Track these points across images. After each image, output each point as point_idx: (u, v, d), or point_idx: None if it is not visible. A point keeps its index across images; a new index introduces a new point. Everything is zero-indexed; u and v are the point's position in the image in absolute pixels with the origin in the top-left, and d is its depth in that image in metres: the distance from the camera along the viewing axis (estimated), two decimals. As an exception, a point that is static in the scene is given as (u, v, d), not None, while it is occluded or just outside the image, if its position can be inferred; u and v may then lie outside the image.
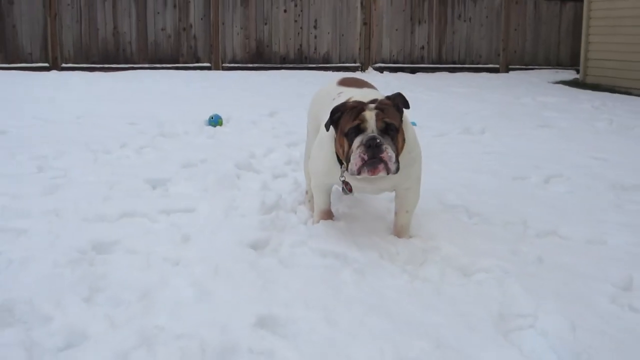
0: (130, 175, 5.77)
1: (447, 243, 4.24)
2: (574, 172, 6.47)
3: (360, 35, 19.27)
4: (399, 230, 4.42)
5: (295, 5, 18.76)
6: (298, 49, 18.96)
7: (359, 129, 3.83)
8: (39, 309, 3.20)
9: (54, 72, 16.93)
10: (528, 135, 8.81)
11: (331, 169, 4.21)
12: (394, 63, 19.50)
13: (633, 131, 9.37)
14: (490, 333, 3.15)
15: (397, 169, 3.85)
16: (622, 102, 13.15)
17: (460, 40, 19.96)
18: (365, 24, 19.22)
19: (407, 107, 4.06)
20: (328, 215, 4.61)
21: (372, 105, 3.87)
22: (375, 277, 3.75)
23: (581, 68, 17.12)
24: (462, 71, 19.71)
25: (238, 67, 18.50)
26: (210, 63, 18.41)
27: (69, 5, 17.41)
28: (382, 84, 12.73)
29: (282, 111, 10.42)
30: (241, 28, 18.54)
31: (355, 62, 19.29)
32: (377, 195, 4.89)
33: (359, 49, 19.33)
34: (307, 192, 5.09)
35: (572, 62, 20.09)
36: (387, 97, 4.05)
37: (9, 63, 17.11)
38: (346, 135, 3.88)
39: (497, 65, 20.12)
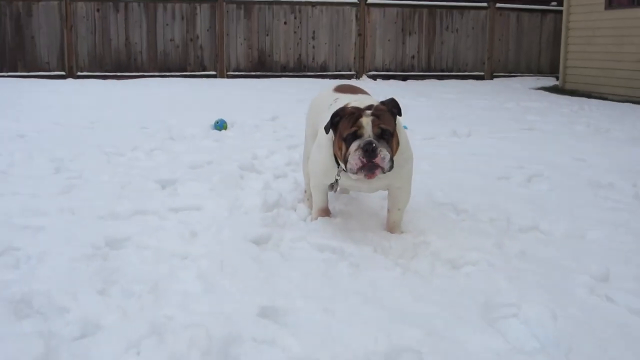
0: (141, 176, 5.75)
1: (436, 238, 4.24)
2: (554, 172, 6.47)
3: (355, 45, 19.28)
4: (392, 226, 4.42)
5: (295, 18, 18.76)
6: (297, 59, 18.97)
7: (356, 135, 3.84)
8: (55, 301, 3.19)
9: (70, 80, 16.96)
10: (511, 137, 8.80)
11: (330, 170, 4.22)
12: (386, 71, 19.52)
13: (609, 133, 9.37)
14: (477, 321, 3.15)
15: (392, 167, 3.86)
16: (598, 106, 13.16)
17: (448, 50, 19.98)
18: (359, 35, 19.23)
19: (400, 113, 4.07)
20: (326, 212, 4.61)
21: (369, 112, 3.88)
22: (370, 270, 3.74)
23: (561, 75, 17.14)
24: (450, 78, 19.74)
25: (242, 75, 18.52)
26: (215, 71, 18.42)
27: (84, 17, 17.42)
28: (376, 91, 12.71)
29: (283, 116, 10.42)
30: (244, 39, 18.54)
31: (350, 71, 19.31)
32: (371, 193, 4.89)
33: (354, 58, 19.34)
34: (305, 191, 5.08)
35: (552, 70, 20.14)
36: (382, 103, 4.05)
37: (28, 71, 17.14)
38: (345, 139, 3.89)
39: (483, 73, 20.15)
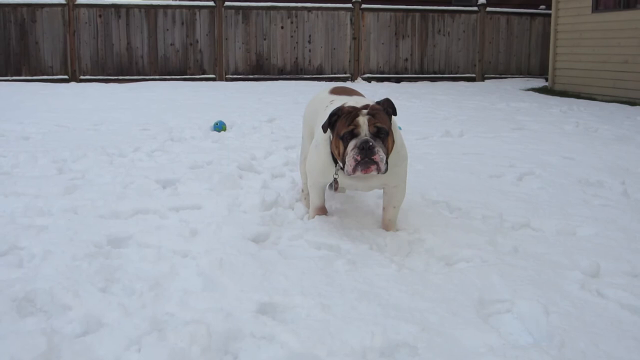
0: (143, 176, 5.72)
1: (430, 235, 4.22)
2: (545, 170, 6.45)
3: (350, 48, 19.27)
4: (387, 224, 4.40)
5: (292, 22, 18.75)
6: (294, 62, 18.95)
7: (353, 134, 3.83)
8: (58, 299, 3.16)
9: (73, 84, 16.92)
10: (503, 137, 8.78)
11: (327, 169, 4.21)
12: (380, 73, 19.51)
13: (597, 133, 9.35)
14: (472, 317, 3.12)
15: (387, 169, 3.86)
16: (586, 106, 13.16)
17: (440, 53, 19.97)
18: (354, 38, 19.21)
19: (395, 113, 4.06)
20: (322, 211, 4.59)
21: (365, 111, 3.87)
22: (366, 267, 3.72)
23: (550, 76, 17.14)
24: (442, 80, 19.75)
25: (240, 78, 18.50)
26: (215, 74, 18.39)
27: (86, 23, 17.39)
28: (370, 93, 12.74)
29: (280, 117, 10.40)
30: (242, 43, 18.52)
31: (345, 73, 19.29)
32: (367, 192, 4.87)
33: (349, 61, 19.33)
34: (303, 190, 5.06)
35: (542, 71, 20.15)
36: (377, 103, 4.04)
37: (32, 75, 17.11)
38: (342, 138, 3.88)
39: (474, 75, 20.14)
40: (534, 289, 3.41)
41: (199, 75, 18.31)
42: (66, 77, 17.36)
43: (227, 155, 6.80)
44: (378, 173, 3.84)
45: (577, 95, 15.44)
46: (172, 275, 3.56)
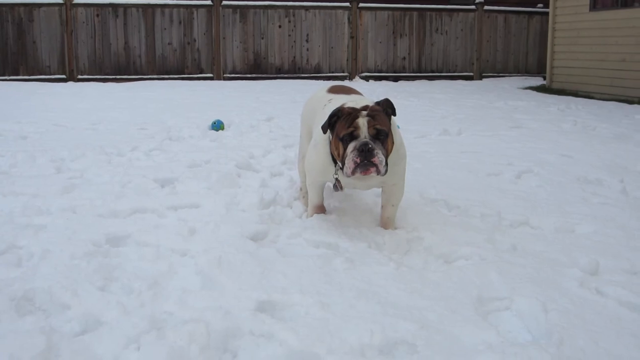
0: (141, 175, 5.72)
1: (429, 233, 4.22)
2: (543, 168, 6.45)
3: (347, 47, 19.27)
4: (385, 222, 4.40)
5: (289, 21, 18.74)
6: (292, 61, 18.95)
7: (353, 135, 3.83)
8: (57, 298, 3.16)
9: (70, 83, 16.91)
10: (501, 135, 8.78)
11: (326, 168, 4.20)
12: (378, 72, 19.51)
13: (595, 131, 9.36)
14: (470, 315, 3.12)
15: (386, 171, 3.86)
16: (584, 105, 13.16)
17: (437, 51, 19.98)
18: (352, 37, 19.21)
19: (394, 114, 4.06)
20: (321, 209, 4.59)
21: (365, 112, 3.86)
22: (365, 265, 3.71)
23: (547, 75, 17.14)
24: (440, 79, 19.75)
25: (238, 77, 18.49)
26: (212, 74, 18.38)
27: (84, 22, 17.37)
28: (368, 91, 12.74)
29: (278, 116, 10.40)
30: (240, 42, 18.51)
31: (343, 72, 19.29)
32: (365, 190, 4.87)
33: (347, 60, 19.32)
34: (301, 189, 5.06)
35: (539, 70, 20.17)
36: (377, 103, 4.03)
37: (29, 75, 17.10)
38: (341, 140, 3.87)
39: (472, 74, 20.15)
40: (532, 287, 3.42)
41: (197, 74, 18.30)
42: (64, 76, 17.34)
43: (225, 154, 6.80)
44: (377, 175, 3.84)
45: (575, 94, 15.45)
46: (171, 274, 3.56)
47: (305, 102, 5.02)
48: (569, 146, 7.90)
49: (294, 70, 18.97)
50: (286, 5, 18.65)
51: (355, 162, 3.78)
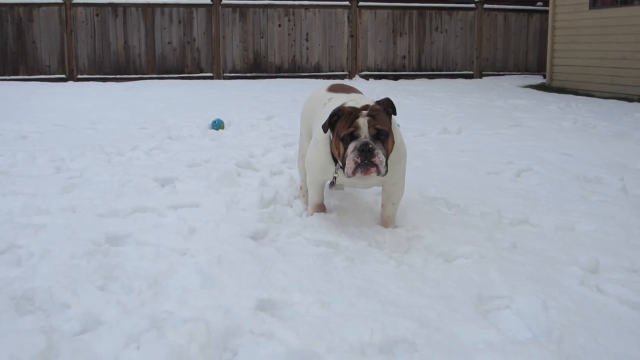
0: (141, 175, 5.72)
1: (429, 232, 4.22)
2: (543, 167, 6.45)
3: (347, 46, 19.27)
4: (386, 221, 4.40)
5: (289, 20, 18.74)
6: (292, 60, 18.95)
7: (353, 135, 3.82)
8: (57, 297, 3.16)
9: (70, 83, 16.91)
10: (501, 134, 8.78)
11: (326, 167, 4.20)
12: (378, 71, 19.51)
13: (595, 129, 9.36)
14: (471, 313, 3.12)
15: (387, 171, 3.85)
16: (584, 103, 13.16)
17: (437, 50, 19.97)
18: (351, 36, 19.21)
19: (395, 113, 4.05)
20: (321, 208, 4.59)
21: (365, 112, 3.85)
22: (365, 263, 3.71)
23: (547, 73, 17.14)
24: (440, 77, 19.74)
25: (238, 76, 18.49)
26: (212, 73, 18.38)
27: (83, 22, 17.37)
28: (368, 90, 12.74)
29: (278, 115, 10.40)
30: (240, 41, 18.51)
31: (343, 71, 19.29)
32: (365, 189, 4.87)
33: (347, 58, 19.32)
34: (301, 188, 5.06)
35: (539, 68, 20.17)
36: (378, 102, 4.02)
37: (29, 75, 17.10)
38: (342, 139, 3.87)
39: (472, 72, 20.15)
40: (532, 285, 3.42)
41: (197, 73, 18.30)
42: (63, 76, 17.34)
43: (225, 153, 6.80)
44: (377, 175, 3.84)
45: (575, 92, 15.44)
46: (171, 273, 3.56)
47: (305, 100, 5.02)
48: (569, 144, 7.90)
49: (293, 69, 18.97)
50: (286, 4, 18.64)
51: (355, 162, 3.78)
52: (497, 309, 3.23)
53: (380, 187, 4.42)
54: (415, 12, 19.64)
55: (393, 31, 19.55)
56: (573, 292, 3.38)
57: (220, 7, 18.17)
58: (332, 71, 19.17)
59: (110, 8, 17.51)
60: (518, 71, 20.57)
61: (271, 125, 9.29)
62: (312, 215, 4.52)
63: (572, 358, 2.71)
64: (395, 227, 4.37)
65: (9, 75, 16.92)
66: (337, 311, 3.09)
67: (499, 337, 2.89)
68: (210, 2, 18.10)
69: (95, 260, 3.65)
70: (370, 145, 3.76)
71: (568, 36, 16.27)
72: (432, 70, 19.94)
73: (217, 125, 8.85)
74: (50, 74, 17.27)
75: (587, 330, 2.93)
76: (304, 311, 3.11)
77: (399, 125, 4.54)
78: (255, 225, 4.29)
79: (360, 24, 19.25)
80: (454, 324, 3.00)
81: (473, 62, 20.16)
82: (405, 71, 19.71)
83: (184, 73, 18.21)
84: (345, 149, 3.86)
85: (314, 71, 19.07)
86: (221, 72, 18.39)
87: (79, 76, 17.45)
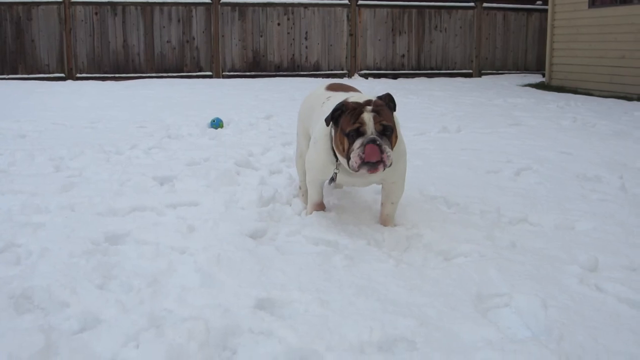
0: (140, 174, 5.72)
1: (428, 230, 4.22)
2: (542, 165, 6.45)
3: (346, 45, 19.27)
4: (385, 220, 4.39)
5: (288, 19, 18.73)
6: (291, 58, 18.94)
7: (359, 132, 3.79)
8: (56, 296, 3.16)
9: (69, 82, 16.90)
10: (500, 132, 8.78)
11: (326, 166, 4.18)
12: (377, 70, 19.52)
13: (594, 128, 9.36)
14: (470, 311, 3.12)
15: (391, 164, 3.84)
16: (583, 102, 13.16)
17: (437, 49, 19.97)
18: (351, 35, 19.21)
19: (395, 109, 4.03)
20: (321, 207, 4.58)
21: (370, 108, 3.83)
22: (364, 262, 3.71)
23: (547, 72, 17.14)
24: (439, 76, 19.75)
25: (237, 75, 18.49)
26: (211, 72, 18.38)
27: (82, 21, 17.36)
28: (367, 89, 12.73)
29: (277, 114, 10.39)
30: (239, 40, 18.50)
31: (342, 70, 19.29)
32: (364, 187, 4.87)
33: (346, 57, 19.32)
34: (300, 187, 5.05)
35: (538, 67, 20.18)
36: (379, 98, 4.01)
37: (28, 74, 17.09)
38: (347, 135, 3.83)
39: (471, 71, 20.16)
40: (532, 283, 3.41)
41: (196, 72, 18.30)
42: (62, 75, 17.34)
43: (224, 152, 6.80)
44: (384, 169, 3.82)
45: (574, 91, 15.44)
46: (170, 271, 3.56)
47: (303, 99, 5.01)
48: (568, 143, 7.90)
49: (292, 68, 18.96)
50: (285, 3, 18.64)
51: (362, 159, 3.74)
52: (496, 307, 3.23)
53: (380, 186, 4.41)
54: (414, 10, 19.64)
55: (392, 30, 19.55)
56: (572, 290, 3.37)
57: (219, 6, 18.17)
58: (332, 70, 19.17)
59: (109, 7, 17.51)
60: (517, 70, 20.59)
61: (270, 124, 9.29)
62: (311, 214, 4.51)
63: (572, 356, 2.71)
64: (395, 225, 4.37)
65: (8, 74, 16.92)
66: (336, 310, 3.09)
67: (498, 336, 2.88)
68: (210, 1, 18.10)
69: (94, 259, 3.65)
70: (378, 142, 3.75)
71: (567, 35, 16.27)
72: (432, 69, 19.94)
73: (216, 124, 8.84)
74: (49, 73, 17.26)
75: (586, 329, 2.93)
76: (303, 310, 3.10)
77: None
78: (254, 223, 4.29)
79: (360, 22, 19.25)
80: (453, 322, 3.00)
81: (472, 61, 20.17)
82: (405, 70, 19.71)
83: (183, 72, 18.21)
84: (351, 144, 3.82)
85: (313, 70, 19.06)
86: (220, 71, 18.39)
87: (78, 75, 17.45)
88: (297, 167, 5.11)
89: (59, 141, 7.55)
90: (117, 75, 17.67)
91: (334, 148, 4.05)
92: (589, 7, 15.44)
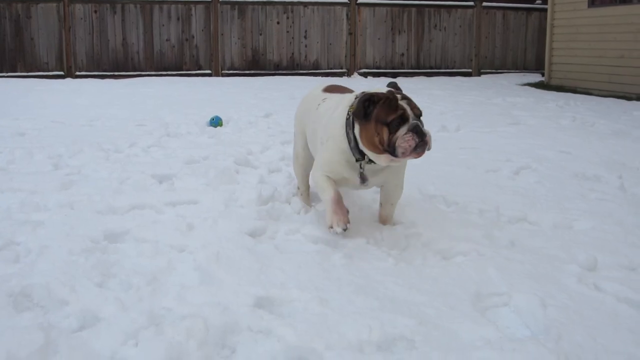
0: (139, 172, 5.71)
1: (427, 229, 4.22)
2: (542, 165, 6.45)
3: (346, 44, 19.26)
4: (384, 219, 4.38)
5: (288, 17, 18.72)
6: (290, 57, 18.94)
7: (403, 118, 3.75)
8: (55, 294, 3.16)
9: (68, 80, 16.89)
10: (499, 132, 8.78)
11: (347, 160, 4.03)
12: (376, 69, 19.52)
13: (593, 127, 9.36)
14: (469, 310, 3.12)
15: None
16: (583, 101, 13.16)
17: (436, 48, 19.97)
18: (350, 33, 19.20)
19: None
20: (341, 204, 4.08)
21: (399, 96, 3.84)
22: (363, 261, 3.71)
23: (546, 71, 17.14)
24: (439, 75, 19.75)
25: (236, 73, 18.48)
26: (210, 70, 18.37)
27: (81, 19, 17.35)
28: (367, 88, 12.68)
29: (277, 113, 10.38)
30: (238, 38, 18.50)
31: (342, 68, 19.29)
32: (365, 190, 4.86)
33: (345, 56, 19.32)
34: (298, 187, 5.04)
35: (538, 66, 20.18)
36: (388, 85, 4.05)
37: (27, 71, 17.08)
38: (389, 124, 3.76)
39: (470, 70, 20.16)
40: (530, 283, 3.42)
41: (195, 70, 18.29)
42: (62, 73, 17.33)
43: (224, 150, 6.80)
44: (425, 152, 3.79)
45: (574, 90, 15.45)
46: (169, 269, 3.56)
47: (299, 101, 4.99)
48: (568, 142, 7.90)
49: (292, 67, 18.96)
50: (284, 2, 18.64)
51: (414, 142, 3.70)
52: (495, 306, 3.24)
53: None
54: (414, 9, 19.64)
55: (392, 29, 19.55)
56: (571, 290, 3.38)
57: (218, 4, 18.15)
58: (331, 69, 19.17)
59: (108, 5, 17.49)
60: (517, 69, 20.59)
61: (269, 123, 9.29)
62: (334, 212, 4.00)
63: (570, 356, 2.71)
64: (394, 224, 4.36)
65: (7, 72, 16.90)
66: (335, 308, 3.09)
67: (497, 335, 2.89)
68: (209, -1, 18.11)
69: (93, 257, 3.65)
70: (421, 126, 3.75)
71: (567, 34, 16.28)
72: (431, 68, 19.94)
73: (216, 122, 8.84)
74: (49, 71, 17.25)
75: (585, 328, 2.94)
76: (302, 308, 3.11)
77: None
78: (253, 222, 4.29)
79: (359, 21, 19.25)
80: (452, 321, 3.00)
81: (472, 60, 20.17)
82: (404, 69, 19.71)
83: (183, 70, 18.20)
84: (393, 133, 3.75)
85: (313, 69, 19.06)
86: (219, 69, 18.38)
87: (77, 73, 17.44)
88: (294, 168, 5.07)
89: (58, 139, 7.55)
90: (116, 73, 17.66)
91: (363, 144, 3.89)
92: (589, 6, 15.45)
